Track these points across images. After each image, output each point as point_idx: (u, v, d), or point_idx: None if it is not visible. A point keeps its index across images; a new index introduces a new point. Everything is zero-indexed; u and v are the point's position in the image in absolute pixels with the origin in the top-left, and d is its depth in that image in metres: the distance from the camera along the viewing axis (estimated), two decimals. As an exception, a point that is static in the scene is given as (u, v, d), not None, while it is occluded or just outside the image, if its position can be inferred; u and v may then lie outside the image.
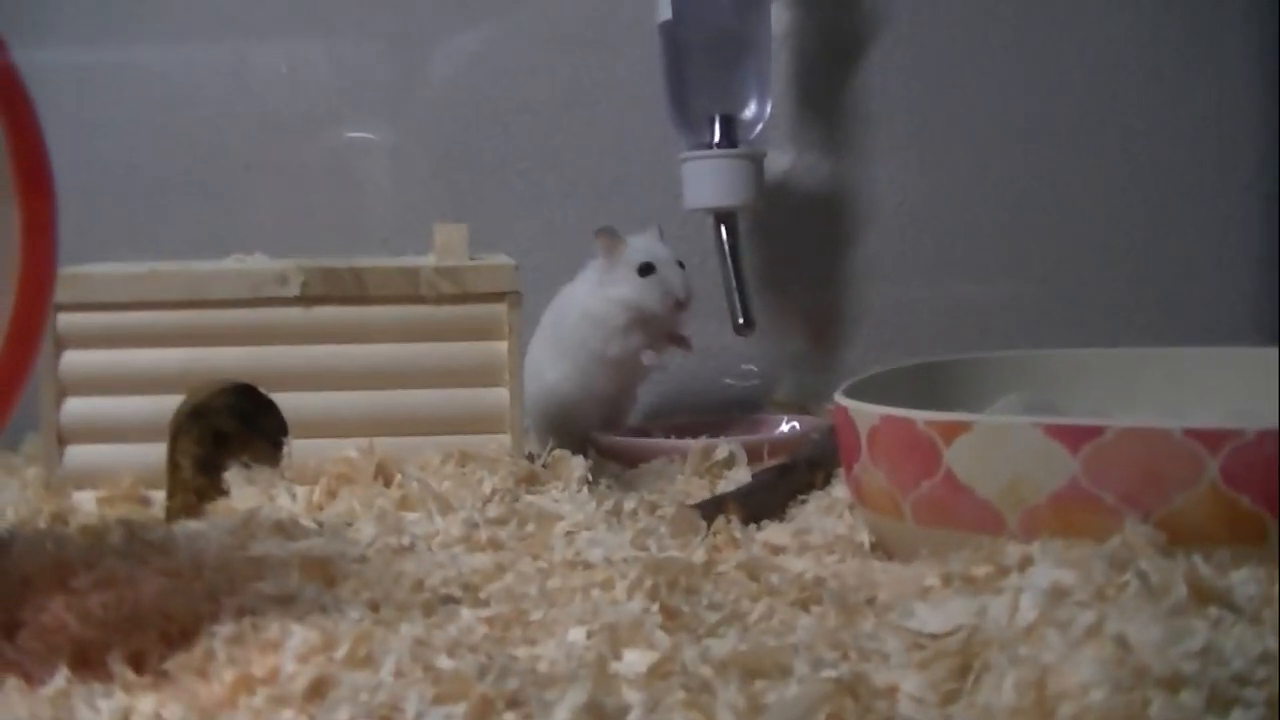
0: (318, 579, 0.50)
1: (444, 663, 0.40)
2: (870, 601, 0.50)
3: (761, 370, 1.05)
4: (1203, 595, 0.41)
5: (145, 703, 0.40)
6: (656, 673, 0.41)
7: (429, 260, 0.73)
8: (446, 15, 1.03)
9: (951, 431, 0.51)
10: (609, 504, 0.65)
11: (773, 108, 0.96)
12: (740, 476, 0.75)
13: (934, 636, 0.41)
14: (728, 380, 1.05)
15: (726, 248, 0.94)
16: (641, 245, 0.85)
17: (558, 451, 0.72)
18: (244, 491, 0.69)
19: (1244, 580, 0.42)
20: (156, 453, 0.69)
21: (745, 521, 0.64)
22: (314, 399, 0.70)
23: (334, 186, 1.03)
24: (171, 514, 0.68)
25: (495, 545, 0.58)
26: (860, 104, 1.06)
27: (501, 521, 0.61)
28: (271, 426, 0.71)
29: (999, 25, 1.05)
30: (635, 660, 0.42)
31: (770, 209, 1.01)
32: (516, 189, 1.03)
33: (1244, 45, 1.05)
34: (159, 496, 0.69)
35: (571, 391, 0.86)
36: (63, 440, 0.69)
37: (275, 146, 1.03)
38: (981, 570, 0.47)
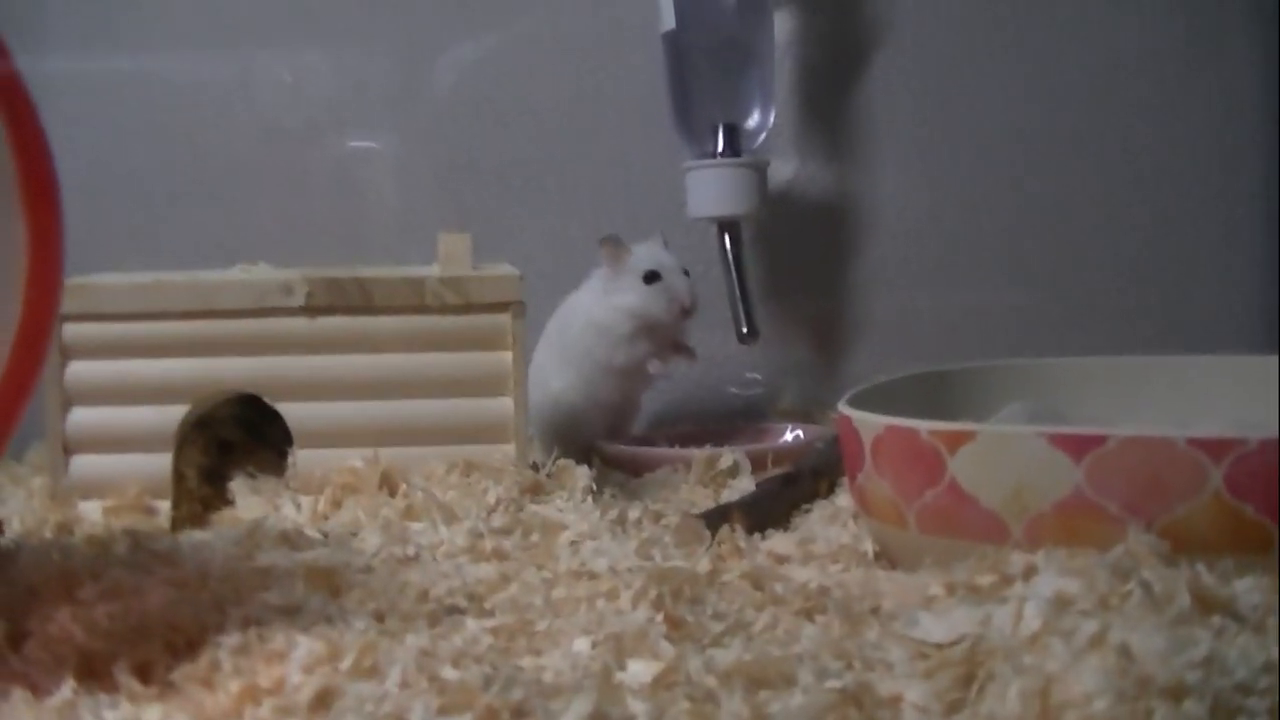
0: (323, 589, 0.50)
1: (449, 673, 0.40)
2: (874, 611, 0.50)
3: (765, 379, 1.05)
4: (1206, 604, 0.41)
5: (151, 713, 0.40)
6: (661, 683, 0.41)
7: (433, 270, 0.73)
8: (450, 24, 1.04)
9: (955, 441, 0.51)
10: (613, 513, 0.65)
11: (776, 117, 0.97)
12: (744, 485, 0.75)
13: (938, 646, 0.41)
14: (732, 389, 1.05)
15: (730, 257, 0.94)
16: (646, 253, 0.85)
17: (562, 461, 0.72)
18: (249, 501, 0.69)
19: (1247, 589, 0.42)
20: (162, 463, 0.69)
21: (749, 531, 0.64)
22: (319, 409, 0.70)
23: (338, 196, 1.03)
24: (177, 524, 0.68)
25: (500, 555, 0.58)
26: (863, 113, 1.06)
27: (506, 531, 0.61)
28: (276, 436, 0.72)
29: (1002, 34, 1.05)
30: (640, 670, 0.42)
31: (774, 218, 1.02)
32: (520, 198, 1.04)
33: (1247, 55, 1.05)
34: (164, 506, 0.69)
35: (576, 401, 0.86)
36: (68, 450, 0.70)
37: (279, 156, 1.03)
38: (985, 579, 0.47)
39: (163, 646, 0.44)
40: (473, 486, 0.67)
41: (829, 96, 1.06)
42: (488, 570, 0.55)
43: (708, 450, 0.80)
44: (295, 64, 1.03)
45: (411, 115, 1.04)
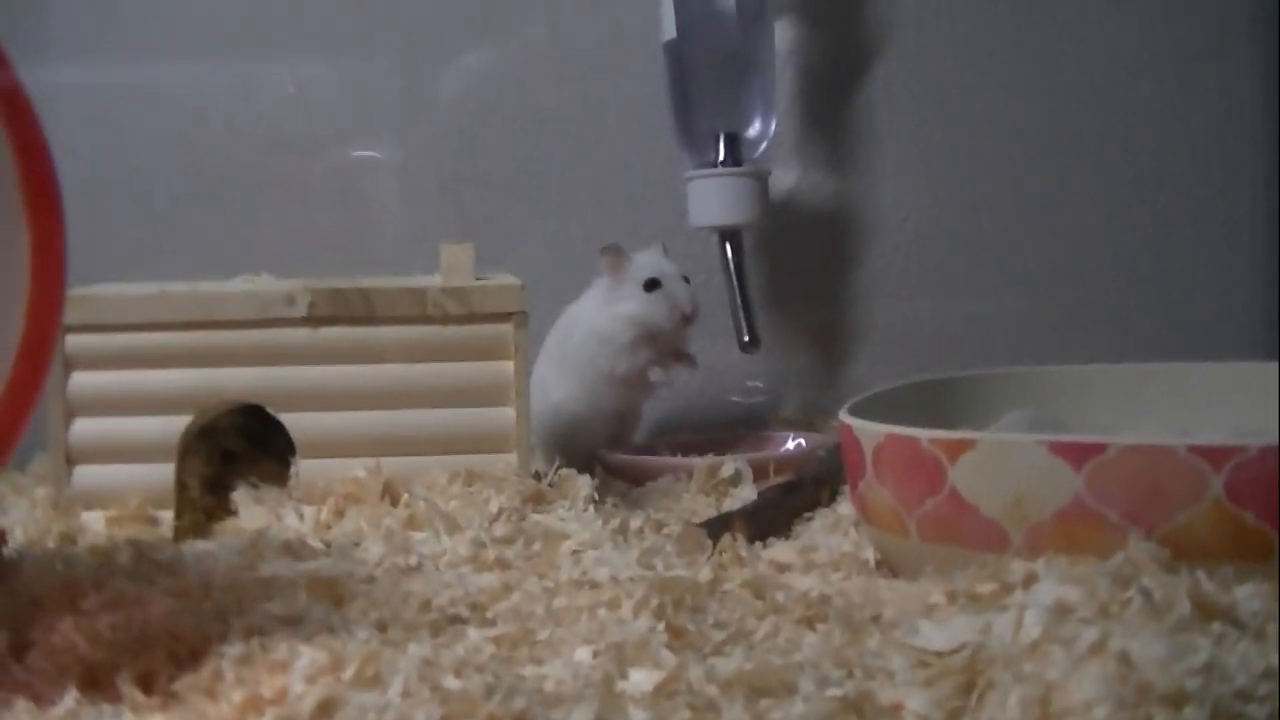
0: (325, 599, 0.50)
1: (451, 682, 0.40)
2: (875, 619, 0.50)
3: (767, 387, 1.06)
4: (1206, 611, 0.41)
5: (154, 723, 0.40)
6: (662, 691, 0.41)
7: (435, 280, 0.73)
8: (452, 35, 1.04)
9: (956, 449, 0.51)
10: (615, 522, 0.65)
11: (777, 125, 0.97)
12: (746, 494, 0.75)
13: (939, 654, 0.41)
14: (733, 397, 1.05)
15: (731, 265, 0.94)
16: (647, 261, 0.85)
17: (564, 470, 0.72)
18: (252, 511, 0.69)
19: (1247, 596, 0.42)
20: (165, 473, 0.70)
21: (751, 539, 0.64)
22: (321, 419, 0.70)
23: (341, 206, 1.04)
24: (180, 534, 0.68)
25: (502, 564, 0.58)
26: (864, 121, 1.06)
27: (508, 541, 0.61)
28: (279, 446, 0.72)
29: (1003, 42, 1.06)
30: (641, 679, 0.42)
31: (775, 227, 1.02)
32: (522, 207, 1.04)
33: (1247, 57, 1.06)
34: (167, 516, 0.69)
35: (578, 410, 0.87)
36: (71, 460, 0.70)
37: (282, 165, 1.03)
38: (986, 587, 0.47)
39: (165, 656, 0.44)
40: (475, 496, 0.67)
41: (830, 105, 1.06)
42: (490, 579, 0.55)
43: (709, 459, 0.80)
44: (298, 74, 1.03)
45: (414, 125, 1.04)
